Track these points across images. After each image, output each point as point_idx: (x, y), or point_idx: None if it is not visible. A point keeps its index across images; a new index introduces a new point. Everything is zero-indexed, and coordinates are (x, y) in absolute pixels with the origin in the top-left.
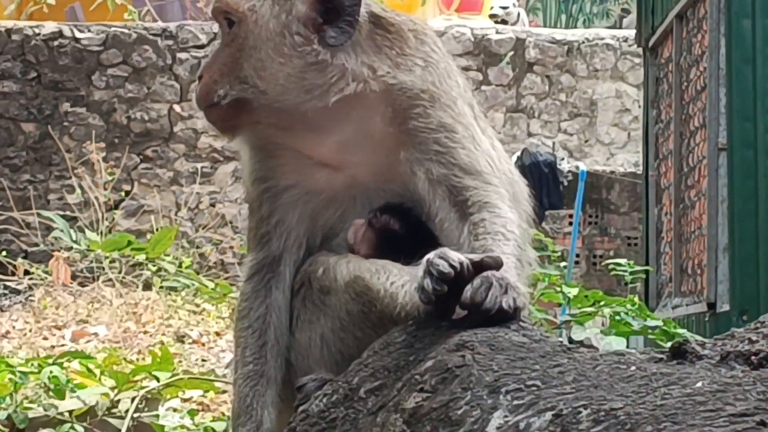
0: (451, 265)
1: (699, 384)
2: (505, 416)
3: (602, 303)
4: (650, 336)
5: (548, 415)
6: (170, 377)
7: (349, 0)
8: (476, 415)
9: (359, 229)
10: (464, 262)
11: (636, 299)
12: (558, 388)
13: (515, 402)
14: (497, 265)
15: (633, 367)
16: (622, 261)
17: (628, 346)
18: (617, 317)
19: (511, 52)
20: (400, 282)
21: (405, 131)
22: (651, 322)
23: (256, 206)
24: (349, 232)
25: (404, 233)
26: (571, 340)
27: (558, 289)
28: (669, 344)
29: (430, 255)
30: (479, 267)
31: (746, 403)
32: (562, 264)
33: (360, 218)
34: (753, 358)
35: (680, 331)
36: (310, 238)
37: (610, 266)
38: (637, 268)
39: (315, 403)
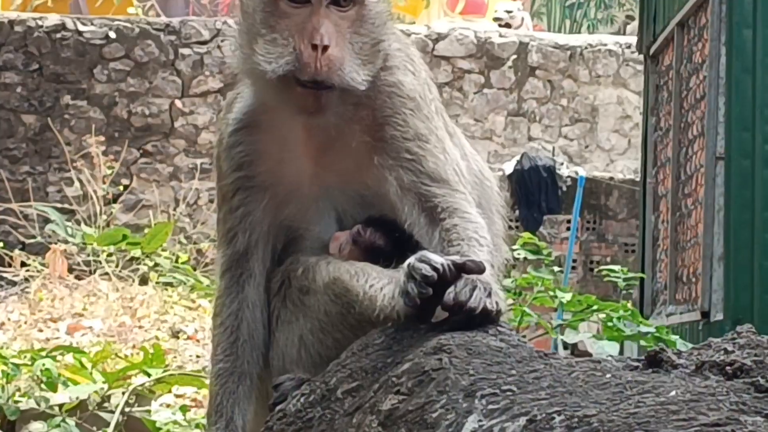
0: (434, 268)
1: (673, 393)
2: (480, 420)
3: (595, 307)
4: (642, 343)
5: (522, 420)
6: (161, 374)
7: None
8: (451, 419)
9: (344, 246)
10: (446, 264)
11: (629, 305)
12: (533, 394)
13: (490, 406)
14: (480, 270)
15: (608, 375)
16: (616, 267)
17: (622, 352)
18: (609, 323)
19: (514, 56)
20: (379, 285)
21: (380, 138)
22: (644, 328)
23: (228, 197)
24: (331, 245)
25: (389, 248)
26: (565, 345)
27: (552, 293)
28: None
29: (411, 259)
30: (461, 269)
31: (719, 413)
32: (556, 268)
33: (326, 222)
34: (728, 368)
35: (673, 338)
36: (274, 235)
37: (604, 272)
38: (631, 274)
39: (292, 402)
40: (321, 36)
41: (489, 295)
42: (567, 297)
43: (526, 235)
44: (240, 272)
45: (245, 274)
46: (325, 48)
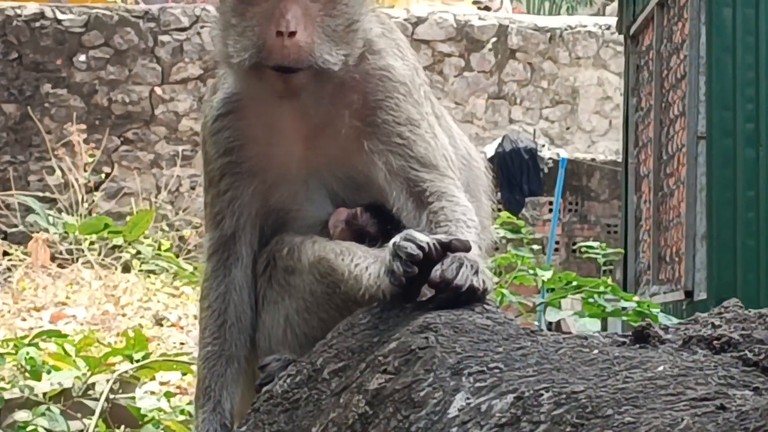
0: (419, 246)
1: (660, 368)
2: (467, 398)
3: (575, 283)
4: (624, 318)
5: (510, 397)
6: (143, 358)
7: None
8: (438, 397)
9: (337, 224)
10: (431, 242)
11: (609, 281)
12: (520, 371)
13: (477, 384)
14: (465, 248)
15: (595, 351)
16: (595, 244)
17: (605, 329)
18: (590, 299)
19: (494, 39)
20: (364, 264)
21: (371, 122)
22: (626, 303)
23: (215, 181)
24: (332, 218)
25: (379, 236)
26: (549, 325)
27: (532, 272)
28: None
29: (396, 238)
30: (447, 248)
31: (707, 388)
32: (536, 247)
33: (318, 202)
34: (715, 342)
35: (654, 311)
36: (262, 218)
37: (584, 249)
38: (610, 250)
39: (279, 383)
40: (287, 22)
41: (476, 273)
42: (547, 275)
43: (504, 214)
44: (227, 255)
45: (232, 257)
46: (292, 34)
